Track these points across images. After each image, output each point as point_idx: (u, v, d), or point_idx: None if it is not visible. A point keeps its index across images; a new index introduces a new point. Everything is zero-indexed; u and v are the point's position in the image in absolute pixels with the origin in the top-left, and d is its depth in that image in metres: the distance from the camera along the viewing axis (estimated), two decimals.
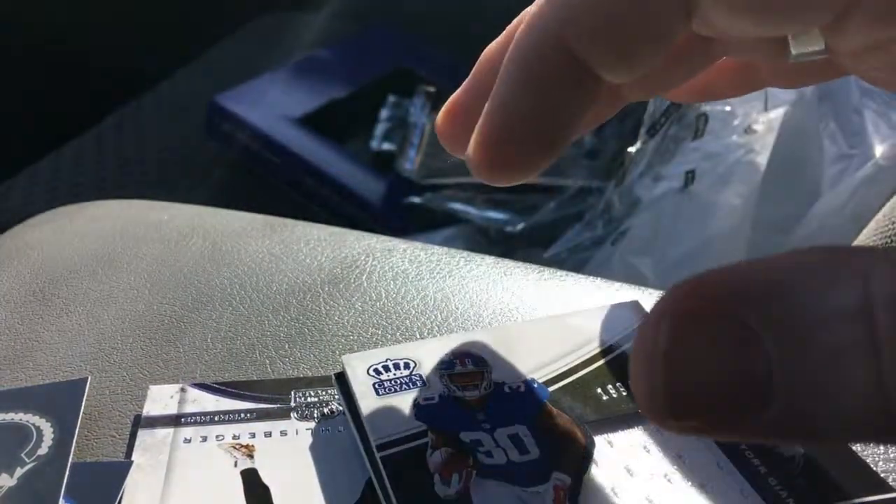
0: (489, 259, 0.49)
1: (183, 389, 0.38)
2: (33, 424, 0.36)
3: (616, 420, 0.34)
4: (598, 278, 0.47)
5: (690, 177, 0.86)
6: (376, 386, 0.35)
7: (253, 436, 0.36)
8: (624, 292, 0.45)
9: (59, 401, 0.38)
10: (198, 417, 0.37)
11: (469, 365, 0.37)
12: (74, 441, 0.35)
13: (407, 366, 0.37)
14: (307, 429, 0.36)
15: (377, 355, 0.37)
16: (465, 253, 0.50)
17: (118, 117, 1.16)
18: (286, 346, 0.42)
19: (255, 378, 0.40)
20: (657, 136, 0.89)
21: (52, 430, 0.36)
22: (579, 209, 1.00)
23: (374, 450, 0.33)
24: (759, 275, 0.15)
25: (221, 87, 1.08)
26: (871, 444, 0.34)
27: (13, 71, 1.27)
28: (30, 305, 0.46)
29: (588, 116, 0.23)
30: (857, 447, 0.34)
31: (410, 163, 1.06)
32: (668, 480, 0.32)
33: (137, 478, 0.34)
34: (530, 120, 0.23)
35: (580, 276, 0.47)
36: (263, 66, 1.15)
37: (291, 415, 0.37)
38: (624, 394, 0.35)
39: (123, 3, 1.33)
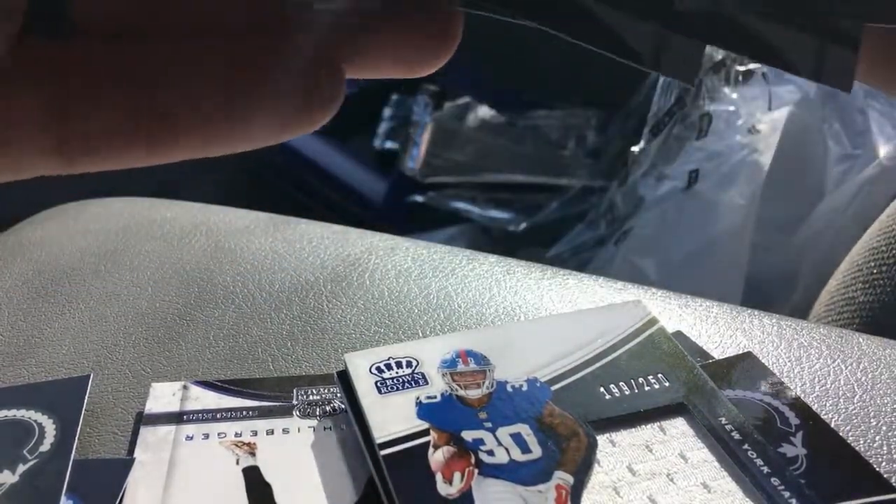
0: (492, 258, 0.49)
1: (185, 387, 0.38)
2: (35, 421, 0.36)
3: (618, 419, 0.34)
4: (601, 278, 0.47)
5: (694, 176, 0.86)
6: (378, 384, 0.35)
7: (255, 433, 0.36)
8: (626, 292, 0.45)
9: (62, 398, 0.38)
10: (200, 415, 0.37)
11: (471, 363, 0.37)
12: (76, 438, 0.35)
13: (409, 364, 0.37)
14: (309, 427, 0.36)
15: (379, 353, 0.37)
16: (468, 252, 0.50)
17: None
18: (288, 344, 0.42)
19: (258, 376, 0.40)
20: (661, 135, 0.89)
21: (54, 427, 0.36)
22: (582, 209, 1.00)
23: (376, 448, 0.33)
24: None
25: None
26: (875, 442, 0.34)
27: None
28: (33, 303, 0.46)
29: None
30: (859, 447, 0.34)
31: (413, 161, 1.06)
32: (671, 480, 0.32)
33: (139, 475, 0.34)
34: None
35: (582, 275, 0.47)
36: None
37: (293, 413, 0.37)
38: (627, 393, 0.35)
39: None
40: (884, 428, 0.35)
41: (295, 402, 0.37)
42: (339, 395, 0.37)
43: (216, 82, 0.16)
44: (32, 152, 0.16)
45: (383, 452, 0.32)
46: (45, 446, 0.35)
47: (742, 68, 0.85)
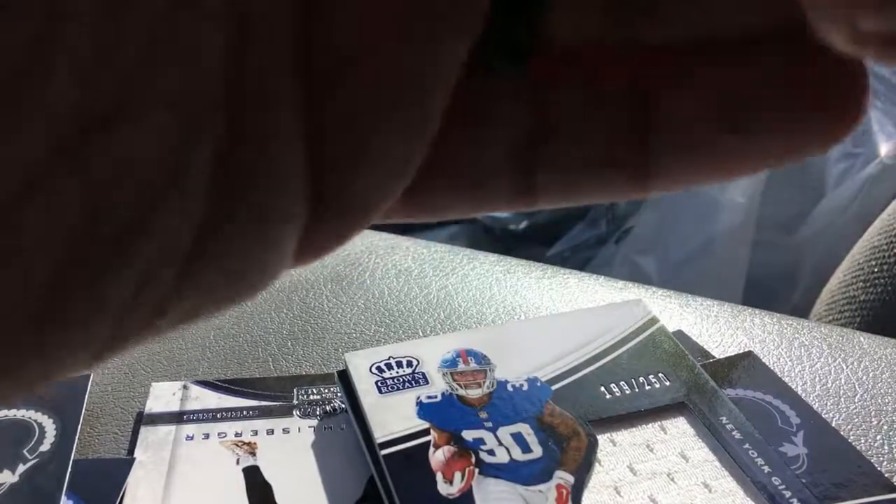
0: (492, 257, 0.49)
1: (185, 387, 0.38)
2: (35, 421, 0.36)
3: (619, 419, 0.34)
4: (601, 277, 0.47)
5: None
6: (379, 384, 0.35)
7: (255, 433, 0.36)
8: (627, 291, 0.45)
9: (62, 398, 0.38)
10: (200, 414, 0.37)
11: (472, 363, 0.37)
12: (77, 438, 0.35)
13: (409, 364, 0.37)
14: (309, 426, 0.36)
15: (380, 353, 0.37)
16: (468, 251, 0.50)
17: None
18: (289, 344, 0.42)
19: (258, 375, 0.40)
20: None
21: (54, 426, 0.36)
22: (583, 207, 1.00)
23: (377, 447, 0.33)
24: None
25: None
26: (876, 442, 0.34)
27: None
28: None
29: None
30: (860, 447, 0.34)
31: None
32: (672, 479, 0.32)
33: (140, 474, 0.34)
34: None
35: (583, 274, 0.47)
36: None
37: (294, 412, 0.37)
38: (627, 392, 0.35)
39: None
40: (885, 427, 0.35)
41: (295, 401, 0.37)
42: (339, 394, 0.37)
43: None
44: (500, 194, 0.14)
45: (384, 452, 0.32)
46: (46, 446, 0.35)
47: None
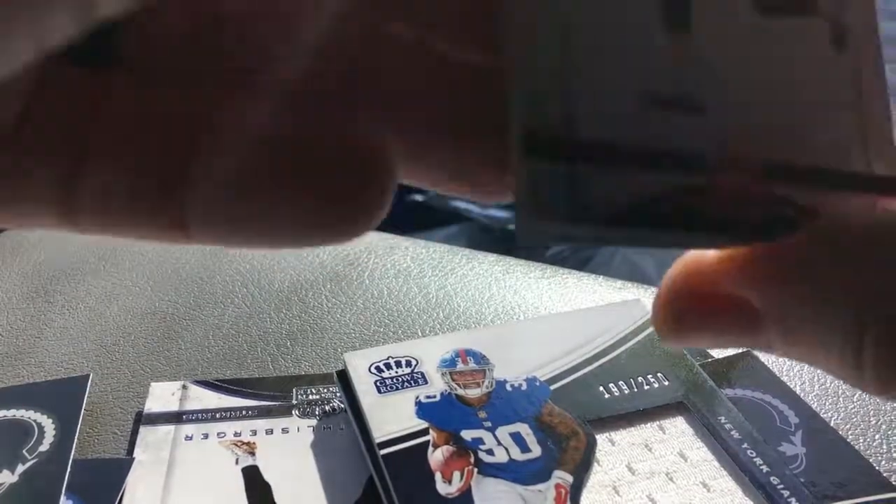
0: (491, 257, 0.49)
1: (184, 386, 0.38)
2: (35, 421, 0.36)
3: (618, 418, 0.34)
4: (600, 276, 0.47)
5: None
6: (378, 384, 0.35)
7: (254, 433, 0.36)
8: (626, 291, 0.45)
9: (61, 398, 0.38)
10: (199, 414, 0.37)
11: (471, 363, 0.37)
12: (76, 438, 0.35)
13: (409, 363, 0.37)
14: (308, 426, 0.36)
15: (379, 353, 0.37)
16: (467, 251, 0.50)
17: None
18: (288, 344, 0.42)
19: (257, 375, 0.40)
20: None
21: (53, 426, 0.36)
22: None
23: (376, 447, 0.33)
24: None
25: None
26: (875, 441, 0.34)
27: None
28: (32, 302, 0.46)
29: None
30: (859, 446, 0.34)
31: None
32: (670, 479, 0.32)
33: (139, 474, 0.34)
34: None
35: (582, 274, 0.47)
36: None
37: (293, 412, 0.37)
38: (626, 392, 0.35)
39: None
40: (883, 426, 0.35)
41: (294, 401, 0.37)
42: (338, 394, 0.37)
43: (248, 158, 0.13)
44: (41, 213, 0.13)
45: (383, 452, 0.32)
46: (45, 446, 0.35)
47: None
